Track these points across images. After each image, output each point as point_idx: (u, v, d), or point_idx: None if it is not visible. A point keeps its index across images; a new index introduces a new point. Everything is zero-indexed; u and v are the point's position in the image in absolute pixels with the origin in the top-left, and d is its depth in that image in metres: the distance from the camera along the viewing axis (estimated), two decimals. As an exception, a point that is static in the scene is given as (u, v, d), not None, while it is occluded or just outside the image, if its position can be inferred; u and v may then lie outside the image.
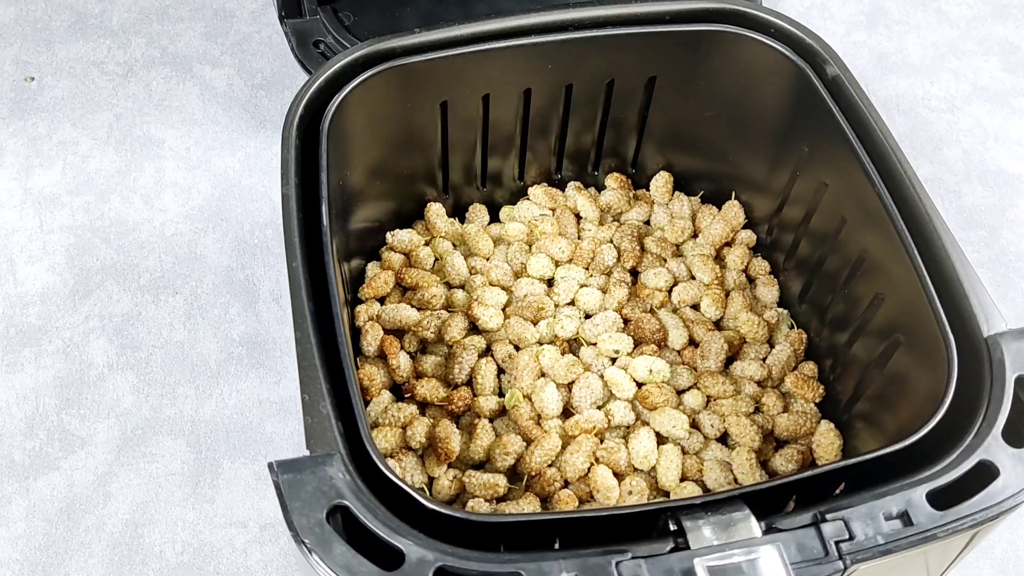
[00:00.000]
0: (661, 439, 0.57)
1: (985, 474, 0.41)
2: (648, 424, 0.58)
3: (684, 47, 0.61)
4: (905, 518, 0.39)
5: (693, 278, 0.65)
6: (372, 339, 0.60)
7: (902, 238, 0.49)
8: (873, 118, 0.53)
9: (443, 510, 0.41)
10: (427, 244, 0.67)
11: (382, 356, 0.61)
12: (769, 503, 0.43)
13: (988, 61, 0.82)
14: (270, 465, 0.40)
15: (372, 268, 0.65)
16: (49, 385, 0.64)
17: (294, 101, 0.53)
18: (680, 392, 0.60)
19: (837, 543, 0.39)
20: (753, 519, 0.40)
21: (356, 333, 0.62)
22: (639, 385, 0.59)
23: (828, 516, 0.39)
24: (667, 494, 0.56)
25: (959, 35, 0.84)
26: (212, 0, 0.84)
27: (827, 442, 0.57)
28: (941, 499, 0.40)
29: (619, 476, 0.55)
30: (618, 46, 0.60)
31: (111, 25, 0.81)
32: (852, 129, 0.54)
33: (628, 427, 0.58)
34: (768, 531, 0.40)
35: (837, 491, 0.46)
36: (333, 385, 0.44)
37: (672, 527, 0.41)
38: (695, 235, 0.68)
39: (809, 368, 0.62)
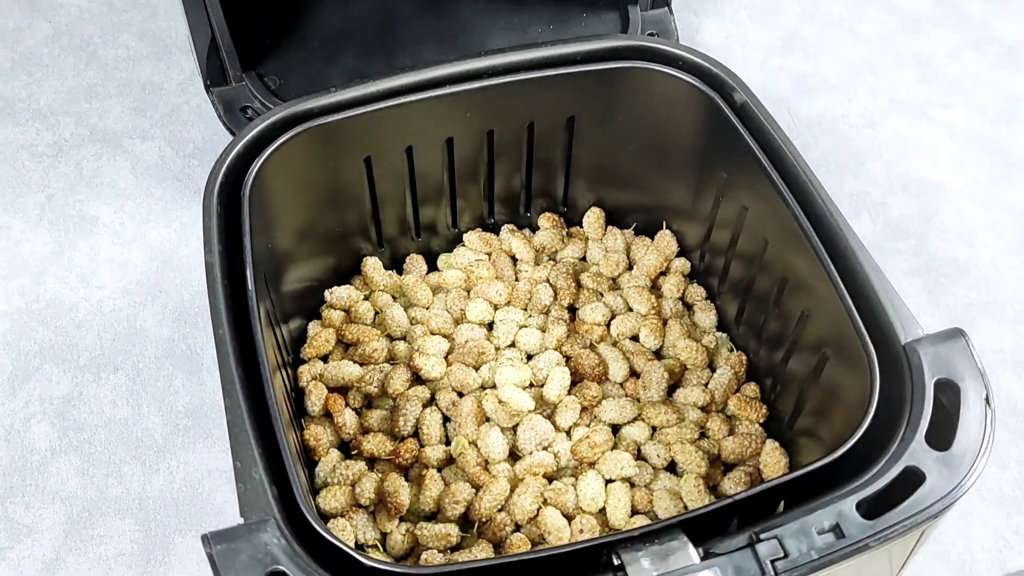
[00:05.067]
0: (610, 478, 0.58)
1: (912, 480, 0.41)
2: (595, 466, 0.58)
3: (599, 85, 0.62)
4: (837, 531, 0.40)
5: (630, 310, 0.66)
6: (316, 399, 0.60)
7: (819, 255, 0.51)
8: (782, 140, 0.55)
9: (384, 567, 0.41)
10: (366, 299, 0.67)
11: (328, 415, 0.61)
12: (710, 528, 0.43)
13: (903, 75, 0.85)
14: (203, 537, 0.40)
15: (313, 327, 0.65)
16: (-9, 474, 0.63)
17: (214, 168, 0.54)
18: (624, 425, 0.60)
19: (772, 562, 0.39)
20: (691, 546, 0.40)
21: (301, 394, 0.62)
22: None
23: (763, 536, 0.40)
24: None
25: (872, 52, 0.87)
26: (139, 74, 0.84)
27: (773, 461, 0.57)
28: (871, 509, 0.41)
29: (569, 517, 0.55)
30: (535, 89, 0.61)
31: (39, 107, 0.81)
32: (763, 152, 0.55)
33: (576, 467, 0.58)
34: (706, 556, 0.40)
35: (778, 509, 0.46)
36: (266, 449, 0.44)
37: (614, 561, 0.41)
38: (630, 267, 0.69)
39: (751, 389, 0.62)
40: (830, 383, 0.54)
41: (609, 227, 0.71)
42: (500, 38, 0.84)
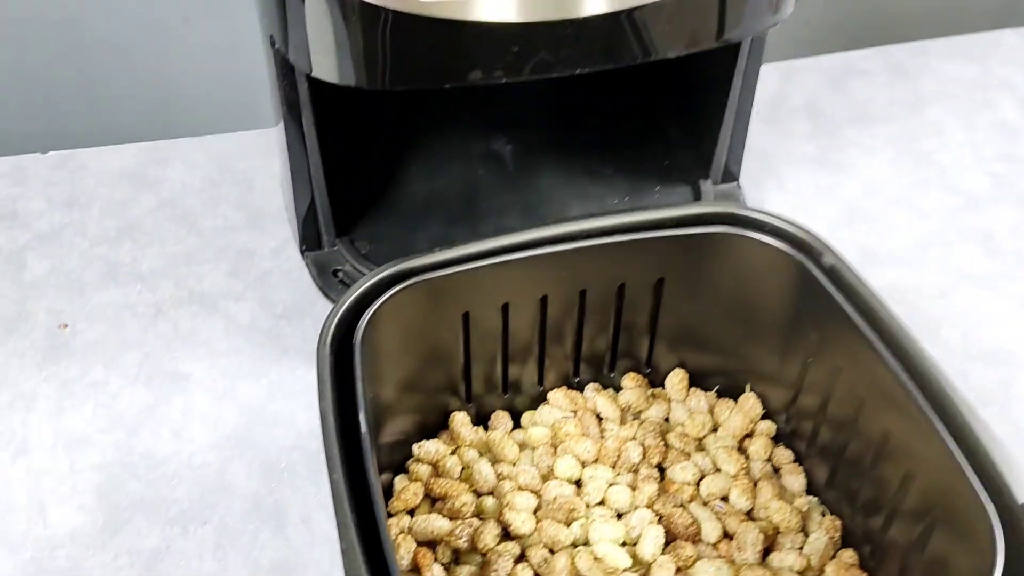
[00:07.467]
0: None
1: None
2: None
3: (687, 250, 0.65)
4: None
5: (719, 470, 0.66)
6: (404, 552, 0.60)
7: (926, 416, 0.51)
8: (875, 301, 0.57)
9: None
10: (453, 453, 0.68)
11: (415, 570, 0.60)
12: None
13: (967, 249, 0.88)
14: None
15: (400, 481, 0.66)
16: (74, 628, 0.62)
17: (327, 319, 0.56)
18: (723, 587, 0.59)
19: None
20: None
21: (388, 549, 0.61)
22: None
23: None
24: None
25: (937, 227, 0.90)
26: (235, 242, 0.89)
27: (880, 630, 0.55)
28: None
29: None
30: (627, 252, 0.64)
31: (141, 271, 0.86)
32: (858, 313, 0.57)
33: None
34: None
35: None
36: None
37: None
38: (715, 429, 0.69)
39: (848, 555, 0.61)
40: (937, 553, 0.52)
41: (692, 388, 0.72)
42: (578, 208, 0.88)
